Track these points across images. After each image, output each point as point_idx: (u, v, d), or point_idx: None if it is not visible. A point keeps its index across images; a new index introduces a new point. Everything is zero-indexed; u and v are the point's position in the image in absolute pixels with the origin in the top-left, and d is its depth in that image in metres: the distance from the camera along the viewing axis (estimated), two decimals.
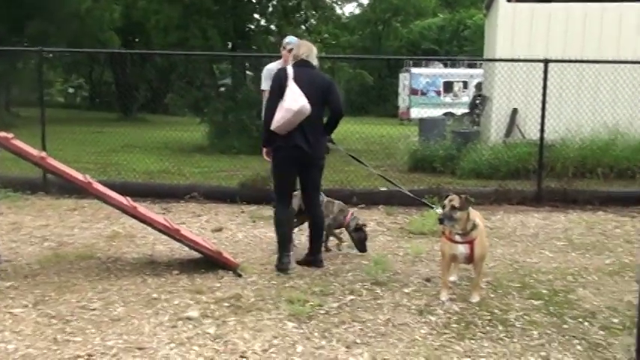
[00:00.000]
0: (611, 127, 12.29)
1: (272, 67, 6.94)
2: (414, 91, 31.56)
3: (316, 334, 4.32)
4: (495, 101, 13.97)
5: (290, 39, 6.87)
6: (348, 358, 3.95)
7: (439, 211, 4.95)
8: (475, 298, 4.97)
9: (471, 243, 4.88)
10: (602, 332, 4.47)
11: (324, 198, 6.22)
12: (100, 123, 23.19)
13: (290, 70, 5.55)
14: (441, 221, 4.84)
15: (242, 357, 3.94)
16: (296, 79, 5.47)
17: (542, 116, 9.52)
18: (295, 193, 5.98)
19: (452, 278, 5.35)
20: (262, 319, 4.57)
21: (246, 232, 7.39)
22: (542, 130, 9.62)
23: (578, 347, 4.20)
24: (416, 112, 29.60)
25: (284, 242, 5.76)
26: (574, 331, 4.46)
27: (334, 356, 3.98)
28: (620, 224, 8.10)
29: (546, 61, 9.57)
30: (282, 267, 5.69)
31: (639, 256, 6.42)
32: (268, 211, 8.29)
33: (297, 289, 5.24)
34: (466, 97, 30.60)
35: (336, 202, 6.42)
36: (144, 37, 32.71)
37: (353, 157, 6.75)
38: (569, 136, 11.95)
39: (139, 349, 4.03)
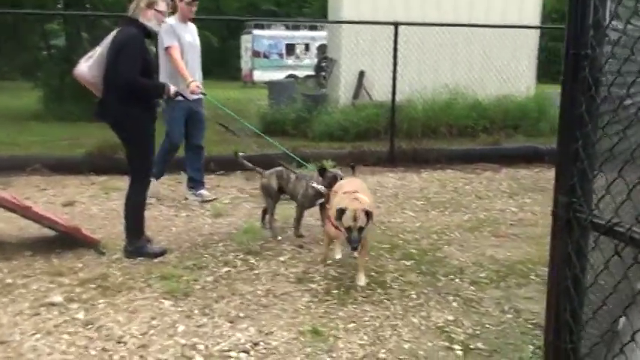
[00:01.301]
0: (451, 88, 12.84)
1: (173, 22, 6.81)
2: (256, 54, 31.30)
3: (196, 311, 4.13)
4: (343, 64, 14.11)
5: None
6: (235, 333, 3.81)
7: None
8: (361, 281, 4.67)
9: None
10: (472, 288, 4.66)
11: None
12: None
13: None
14: (354, 249, 4.46)
15: (120, 342, 3.68)
16: None
17: (394, 78, 9.74)
18: (272, 170, 5.84)
19: (338, 257, 5.20)
20: (135, 300, 4.30)
21: (100, 206, 6.94)
22: (393, 93, 9.86)
23: (454, 304, 4.35)
24: (259, 75, 29.51)
25: (142, 227, 5.36)
26: (447, 289, 4.62)
27: (219, 333, 3.82)
28: (469, 181, 8.52)
29: (396, 24, 9.74)
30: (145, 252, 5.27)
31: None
32: (120, 182, 7.86)
33: (168, 265, 4.99)
34: (308, 60, 30.88)
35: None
36: None
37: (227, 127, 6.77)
38: (413, 97, 12.36)
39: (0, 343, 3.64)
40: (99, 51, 5.00)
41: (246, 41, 32.74)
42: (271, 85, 15.15)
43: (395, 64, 9.67)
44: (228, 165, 8.95)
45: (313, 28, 31.84)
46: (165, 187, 7.57)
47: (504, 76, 13.13)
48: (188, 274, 4.77)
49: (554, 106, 13.80)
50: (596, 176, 2.09)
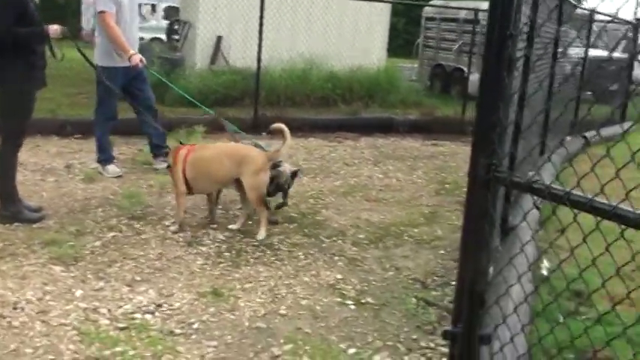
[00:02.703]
0: (306, 58, 13.08)
1: None
2: None
3: (90, 275, 4.07)
4: (200, 27, 13.89)
5: None
6: (135, 296, 3.82)
7: None
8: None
9: None
10: (355, 248, 4.94)
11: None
12: None
13: None
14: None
15: (16, 309, 3.57)
16: None
17: (260, 45, 9.80)
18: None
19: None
20: (22, 266, 4.15)
21: None
22: (259, 59, 9.94)
23: (340, 263, 4.61)
24: None
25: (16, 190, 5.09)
26: (332, 249, 4.87)
27: (119, 296, 3.81)
28: (334, 149, 8.84)
29: None
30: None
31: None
32: None
33: (49, 230, 4.82)
34: (154, 21, 29.84)
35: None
36: None
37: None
38: (271, 65, 12.46)
39: None
40: None
41: None
42: None
43: (260, 31, 9.73)
44: (86, 128, 8.61)
45: None
46: (24, 150, 7.16)
47: (358, 48, 13.57)
48: (73, 239, 4.65)
49: (402, 79, 14.57)
50: (517, 141, 2.36)
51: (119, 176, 6.47)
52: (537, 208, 2.25)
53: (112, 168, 6.58)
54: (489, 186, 2.45)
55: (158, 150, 6.82)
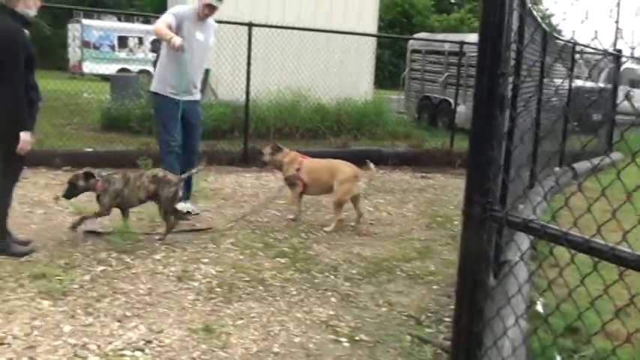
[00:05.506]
0: (295, 90, 13.15)
1: (189, 12, 6.34)
2: (86, 44, 29.84)
3: (79, 310, 4.02)
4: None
5: None
6: (125, 332, 3.77)
7: None
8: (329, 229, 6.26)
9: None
10: (347, 283, 4.92)
11: None
12: None
13: None
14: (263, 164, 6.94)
15: (2, 344, 3.51)
16: None
17: (248, 78, 9.86)
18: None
19: None
20: (9, 300, 4.09)
21: None
22: (247, 92, 9.99)
23: (333, 299, 4.58)
24: (89, 67, 28.18)
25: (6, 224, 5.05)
26: (324, 285, 4.84)
27: (109, 332, 3.76)
28: None
29: (250, 25, 9.86)
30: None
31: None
32: None
33: (38, 263, 4.77)
34: (142, 54, 30.01)
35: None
36: None
37: None
38: (259, 98, 12.52)
39: None
40: None
41: (74, 30, 31.12)
42: (114, 79, 14.61)
43: (249, 65, 9.79)
44: (75, 160, 8.58)
45: (147, 21, 30.96)
46: None
47: (346, 81, 13.68)
48: (61, 273, 4.60)
49: (389, 112, 14.67)
50: (513, 180, 2.37)
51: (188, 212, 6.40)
52: (534, 248, 2.26)
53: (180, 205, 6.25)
54: (485, 225, 2.45)
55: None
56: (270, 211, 6.93)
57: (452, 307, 4.43)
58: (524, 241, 4.56)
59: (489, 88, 2.43)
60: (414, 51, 17.55)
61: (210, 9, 6.30)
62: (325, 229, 6.28)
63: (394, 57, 32.85)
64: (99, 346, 3.57)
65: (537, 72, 6.67)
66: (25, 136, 4.76)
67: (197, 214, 6.51)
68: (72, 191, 5.50)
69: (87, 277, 4.57)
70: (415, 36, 19.03)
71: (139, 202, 5.65)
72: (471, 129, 2.53)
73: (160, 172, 5.69)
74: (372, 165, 6.66)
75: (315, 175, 6.51)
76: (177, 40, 5.91)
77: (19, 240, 5.09)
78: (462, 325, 2.57)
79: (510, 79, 3.77)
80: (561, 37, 10.18)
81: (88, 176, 5.46)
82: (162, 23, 6.11)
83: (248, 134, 10.11)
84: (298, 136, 12.23)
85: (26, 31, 4.81)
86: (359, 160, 10.23)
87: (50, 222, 5.91)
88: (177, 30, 6.14)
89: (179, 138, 6.35)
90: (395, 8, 39.97)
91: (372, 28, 15.78)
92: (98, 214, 5.52)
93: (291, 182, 6.61)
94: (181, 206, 6.27)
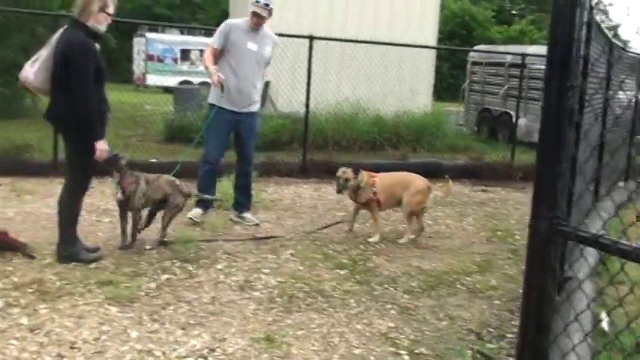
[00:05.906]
0: (353, 103, 13.19)
1: (239, 24, 6.51)
2: (150, 57, 30.62)
3: (145, 317, 4.12)
4: None
5: None
6: (189, 340, 3.84)
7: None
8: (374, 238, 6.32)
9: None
10: (407, 296, 4.90)
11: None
12: None
13: None
14: (339, 192, 6.44)
15: (73, 348, 3.63)
16: None
17: (308, 91, 9.94)
18: None
19: None
20: (78, 305, 4.22)
21: (16, 209, 6.65)
22: (307, 105, 10.06)
23: (392, 312, 4.57)
24: (153, 79, 28.89)
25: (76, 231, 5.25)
26: (384, 297, 4.83)
27: (173, 339, 3.84)
28: None
29: (311, 38, 9.96)
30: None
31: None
32: (28, 185, 7.64)
33: (105, 271, 4.91)
34: (203, 66, 30.52)
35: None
36: None
37: None
38: (318, 110, 12.60)
39: None
40: (44, 54, 4.84)
41: (138, 44, 31.97)
42: (178, 92, 14.96)
43: (309, 77, 9.88)
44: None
45: (209, 34, 31.53)
46: None
47: (404, 92, 13.65)
48: (128, 280, 4.72)
49: (448, 124, 14.57)
50: (583, 194, 2.33)
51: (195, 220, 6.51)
52: (604, 263, 2.21)
53: (194, 211, 6.54)
54: (552, 240, 2.42)
55: (242, 206, 6.82)
56: (328, 222, 6.95)
57: (514, 322, 4.40)
58: (587, 256, 4.46)
59: (558, 101, 2.40)
60: (475, 63, 17.41)
61: (258, 18, 6.38)
62: (400, 240, 6.39)
63: (453, 69, 32.58)
64: (164, 353, 3.66)
65: (604, 83, 6.53)
66: (100, 145, 4.91)
67: (257, 224, 6.61)
68: None
69: (152, 285, 4.68)
70: (475, 48, 18.87)
71: (153, 203, 5.72)
72: (539, 142, 2.50)
73: (176, 180, 5.79)
74: (450, 181, 6.88)
75: (390, 191, 6.47)
76: (215, 79, 6.15)
77: (87, 247, 5.25)
78: (528, 341, 2.53)
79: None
80: (629, 49, 9.94)
81: None
82: (209, 52, 6.35)
83: (307, 146, 10.14)
84: (357, 148, 12.27)
85: (97, 45, 4.97)
86: (417, 172, 10.29)
87: (116, 231, 6.04)
88: (225, 41, 6.32)
89: (222, 152, 6.62)
90: (454, 19, 39.70)
91: (432, 39, 15.73)
92: (133, 219, 5.60)
93: (368, 204, 6.50)
94: (243, 217, 6.62)
